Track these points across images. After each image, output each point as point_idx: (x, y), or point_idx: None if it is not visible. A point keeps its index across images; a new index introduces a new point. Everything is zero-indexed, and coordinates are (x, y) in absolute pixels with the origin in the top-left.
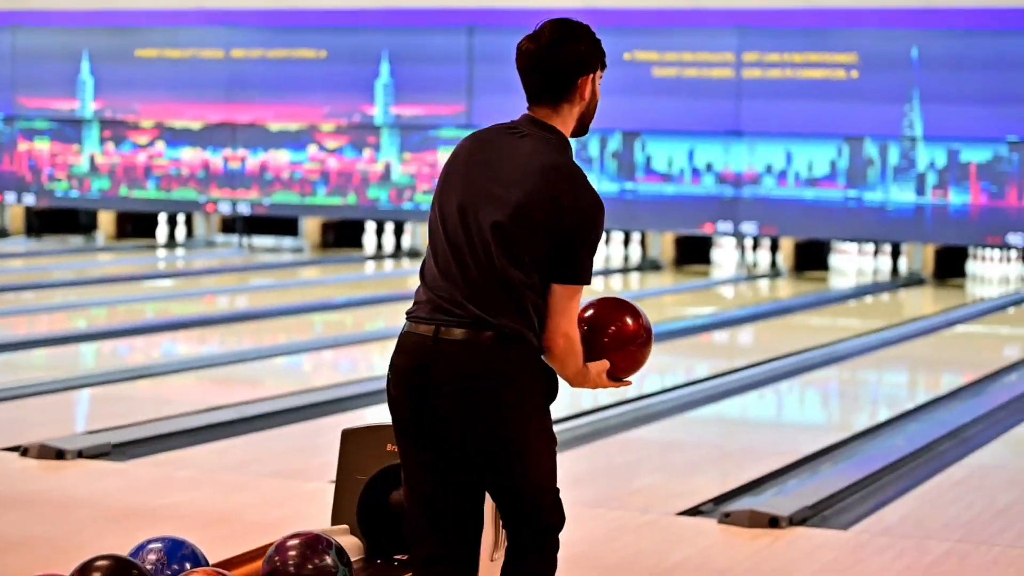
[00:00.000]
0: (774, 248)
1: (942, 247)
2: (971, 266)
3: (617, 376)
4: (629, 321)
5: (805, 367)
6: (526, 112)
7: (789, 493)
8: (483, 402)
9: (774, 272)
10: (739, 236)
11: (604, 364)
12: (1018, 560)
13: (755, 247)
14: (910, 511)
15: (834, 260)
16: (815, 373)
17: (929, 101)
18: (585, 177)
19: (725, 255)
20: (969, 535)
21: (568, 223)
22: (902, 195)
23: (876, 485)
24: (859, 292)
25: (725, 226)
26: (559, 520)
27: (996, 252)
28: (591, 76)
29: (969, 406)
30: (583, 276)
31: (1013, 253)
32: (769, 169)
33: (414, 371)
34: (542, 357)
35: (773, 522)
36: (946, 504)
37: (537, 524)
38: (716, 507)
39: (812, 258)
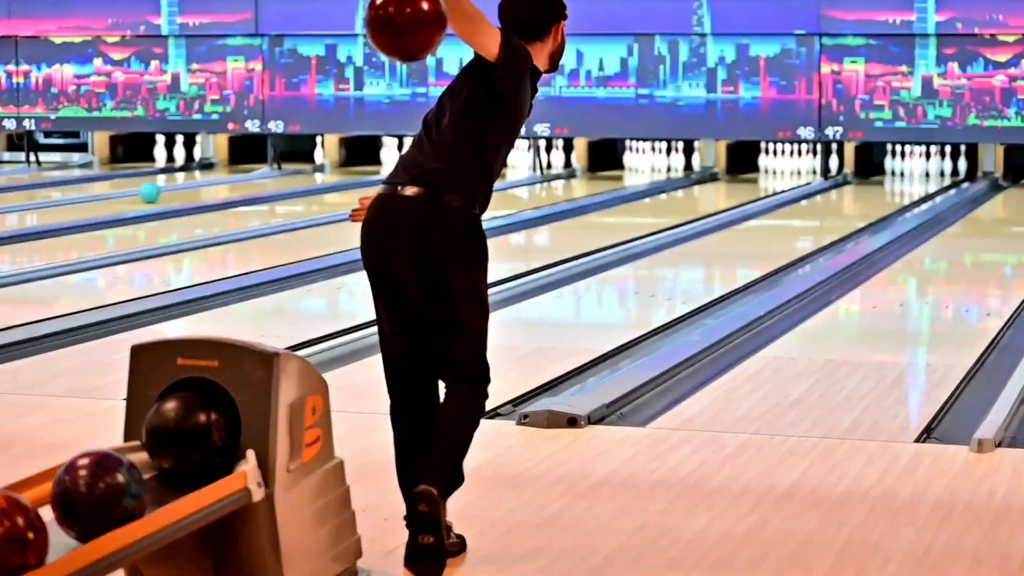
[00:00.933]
0: (568, 149)
1: (734, 142)
2: (763, 160)
3: None
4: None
5: (602, 266)
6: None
7: (587, 392)
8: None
9: (568, 173)
10: (532, 138)
11: None
12: (812, 450)
13: (548, 148)
14: (706, 405)
15: (628, 159)
16: (612, 272)
17: None
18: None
19: (519, 157)
20: (764, 427)
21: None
22: (693, 92)
23: (673, 380)
24: (653, 190)
25: None
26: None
27: (787, 146)
28: (561, 23)
29: (764, 299)
30: None
31: (804, 146)
32: (560, 69)
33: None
34: None
35: (571, 421)
36: (741, 397)
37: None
38: (515, 409)
39: (606, 157)
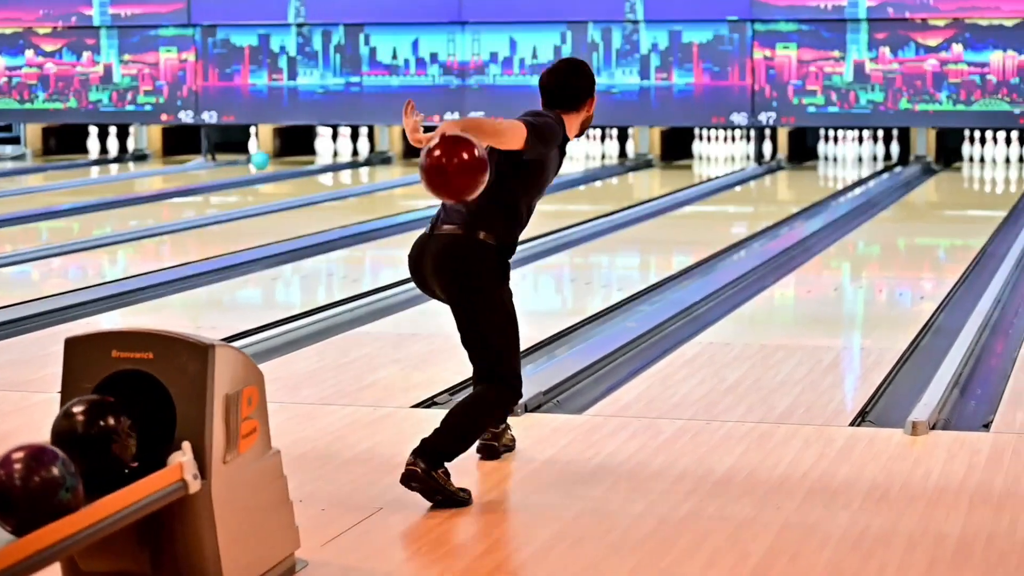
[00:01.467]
0: None
1: (668, 129)
2: (697, 146)
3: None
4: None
5: (537, 254)
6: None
7: (524, 379)
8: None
9: None
10: None
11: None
12: (747, 435)
13: None
14: (643, 392)
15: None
16: (548, 259)
17: None
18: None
19: None
20: (700, 413)
21: None
22: (626, 78)
23: (610, 367)
24: (589, 177)
25: (452, 117)
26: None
27: (721, 132)
28: (593, 97)
29: (699, 284)
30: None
31: (737, 132)
32: (494, 57)
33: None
34: None
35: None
36: (677, 383)
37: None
38: (451, 398)
39: None
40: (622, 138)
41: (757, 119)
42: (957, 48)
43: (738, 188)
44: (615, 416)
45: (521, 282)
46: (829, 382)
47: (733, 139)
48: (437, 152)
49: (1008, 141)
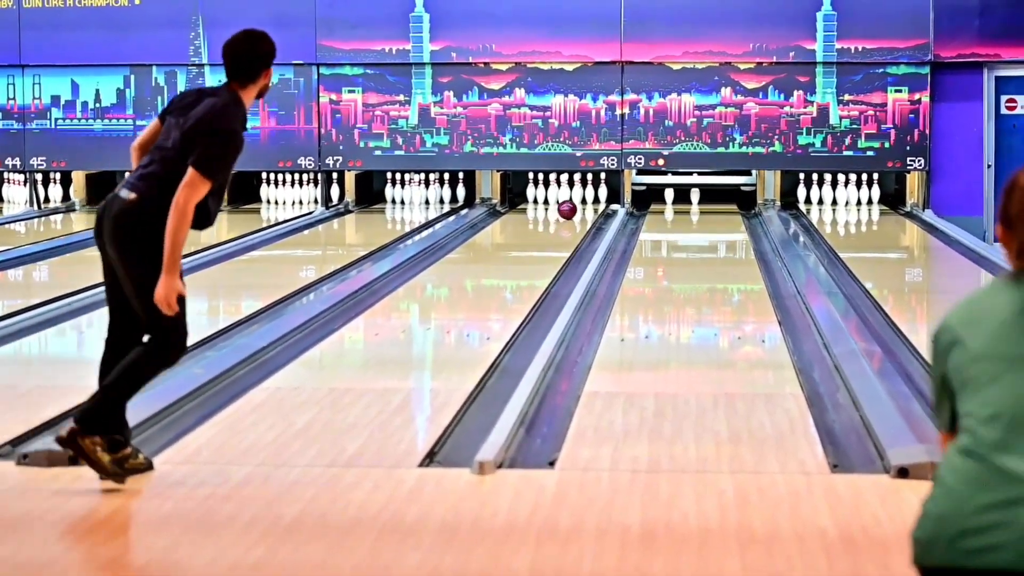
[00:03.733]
0: (66, 182)
1: (235, 173)
2: (265, 191)
3: None
4: None
5: (100, 301)
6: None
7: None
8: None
9: (68, 206)
10: (28, 171)
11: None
12: (318, 479)
13: (46, 182)
14: (211, 437)
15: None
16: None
17: (213, 26)
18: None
19: (16, 192)
20: (270, 458)
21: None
22: None
23: (179, 414)
24: None
25: (13, 162)
26: None
27: (289, 176)
28: (270, 69)
29: (267, 329)
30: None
31: (305, 176)
32: (56, 101)
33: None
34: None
35: (73, 460)
36: (246, 428)
37: None
38: (14, 449)
39: (106, 190)
40: None
41: (324, 163)
42: (519, 92)
43: (307, 232)
44: (184, 463)
45: (87, 328)
46: (398, 424)
47: (301, 183)
48: None
49: (571, 183)
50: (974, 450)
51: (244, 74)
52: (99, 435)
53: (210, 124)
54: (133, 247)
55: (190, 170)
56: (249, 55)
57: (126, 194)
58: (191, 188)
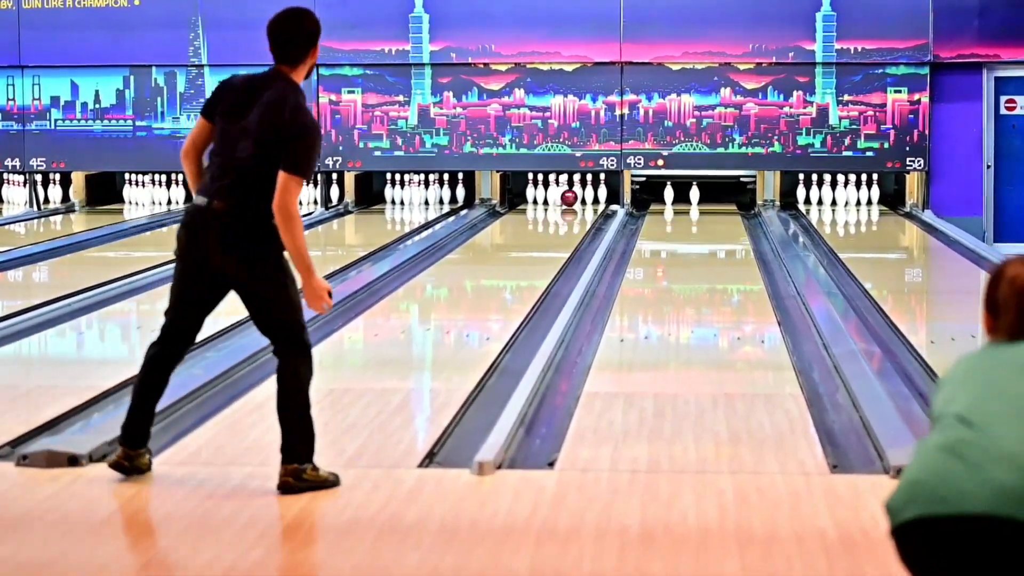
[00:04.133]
0: (65, 183)
1: None
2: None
3: None
4: None
5: (102, 301)
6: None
7: (91, 430)
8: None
9: (67, 207)
10: (28, 172)
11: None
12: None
13: (45, 183)
14: (211, 438)
15: (129, 192)
16: (114, 307)
17: (213, 27)
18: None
19: (15, 192)
20: (270, 459)
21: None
22: (191, 124)
23: (179, 414)
24: (155, 223)
25: (13, 163)
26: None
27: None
28: (316, 47)
29: None
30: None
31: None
32: (55, 102)
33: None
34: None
35: (72, 460)
36: (247, 428)
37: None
38: (13, 450)
39: (105, 191)
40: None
41: (324, 163)
42: (519, 93)
43: (306, 232)
44: (183, 464)
45: (87, 329)
46: (398, 424)
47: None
48: None
49: (571, 184)
50: (944, 433)
51: (293, 56)
52: (309, 462)
53: (291, 127)
54: (252, 254)
55: (284, 176)
56: (296, 35)
57: (217, 204)
58: (289, 193)
